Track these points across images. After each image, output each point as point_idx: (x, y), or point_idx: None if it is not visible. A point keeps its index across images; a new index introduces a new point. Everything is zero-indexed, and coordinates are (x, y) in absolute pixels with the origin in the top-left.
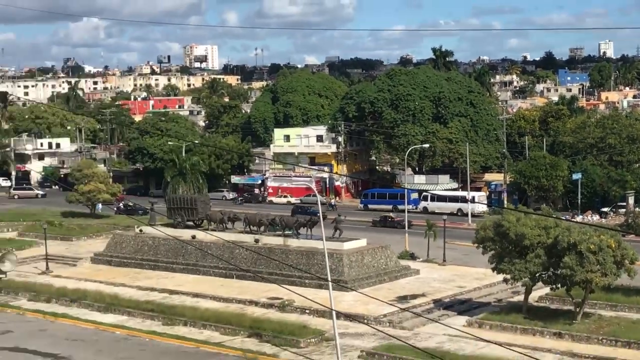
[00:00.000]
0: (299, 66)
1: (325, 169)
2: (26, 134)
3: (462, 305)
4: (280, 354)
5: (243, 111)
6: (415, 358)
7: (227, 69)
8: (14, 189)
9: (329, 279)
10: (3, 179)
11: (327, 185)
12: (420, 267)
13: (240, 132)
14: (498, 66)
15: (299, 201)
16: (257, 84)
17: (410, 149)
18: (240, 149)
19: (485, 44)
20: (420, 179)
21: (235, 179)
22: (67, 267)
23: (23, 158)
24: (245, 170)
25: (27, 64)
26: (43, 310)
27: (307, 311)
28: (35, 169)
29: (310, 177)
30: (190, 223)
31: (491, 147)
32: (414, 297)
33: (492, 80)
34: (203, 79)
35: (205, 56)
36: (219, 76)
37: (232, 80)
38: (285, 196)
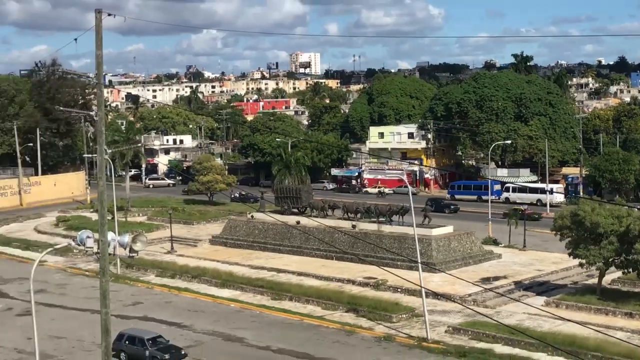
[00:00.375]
0: (393, 71)
1: (416, 162)
2: (154, 131)
3: (540, 287)
4: (375, 328)
5: (342, 111)
6: (497, 333)
7: (328, 74)
8: (149, 179)
9: (419, 261)
10: (135, 171)
11: (417, 177)
12: (502, 251)
13: (339, 129)
14: (575, 70)
15: (391, 191)
16: (354, 87)
17: (493, 145)
18: (339, 145)
19: (563, 49)
20: (502, 172)
21: (334, 171)
22: (188, 247)
23: (152, 152)
24: (344, 164)
25: (155, 70)
26: (168, 285)
27: (399, 290)
28: (162, 162)
29: (402, 170)
30: (295, 210)
31: (568, 144)
32: (497, 278)
33: (569, 82)
34: (307, 83)
35: (309, 62)
36: (320, 80)
37: (333, 83)
38: (379, 187)
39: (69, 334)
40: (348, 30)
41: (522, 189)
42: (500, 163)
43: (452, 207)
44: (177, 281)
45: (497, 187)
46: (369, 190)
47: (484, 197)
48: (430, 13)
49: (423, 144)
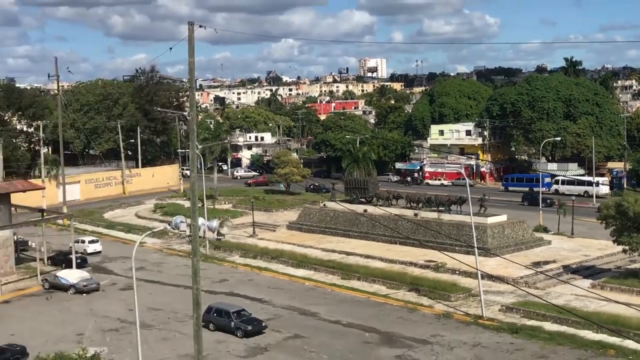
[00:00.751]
0: (452, 74)
1: (473, 157)
2: (238, 129)
3: (586, 271)
4: (435, 306)
5: (405, 111)
6: (547, 312)
7: (393, 78)
8: (237, 172)
9: (475, 246)
10: (222, 164)
11: (474, 171)
12: (552, 238)
13: (403, 127)
14: (620, 73)
15: (450, 183)
16: (417, 89)
17: (544, 141)
18: (402, 141)
19: (609, 54)
20: (552, 166)
21: (398, 165)
22: (268, 232)
23: (236, 148)
24: (407, 158)
25: (239, 75)
26: (250, 265)
27: (456, 272)
28: (245, 156)
29: (460, 164)
30: (363, 200)
31: (613, 140)
32: (546, 262)
33: (614, 84)
34: (374, 86)
35: (376, 67)
36: (386, 83)
37: (397, 86)
38: (439, 179)
39: (165, 306)
40: (411, 38)
41: (571, 182)
42: (550, 158)
43: (547, 201)
44: (258, 261)
45: (547, 179)
46: (430, 182)
47: (535, 189)
48: (487, 22)
49: (479, 141)
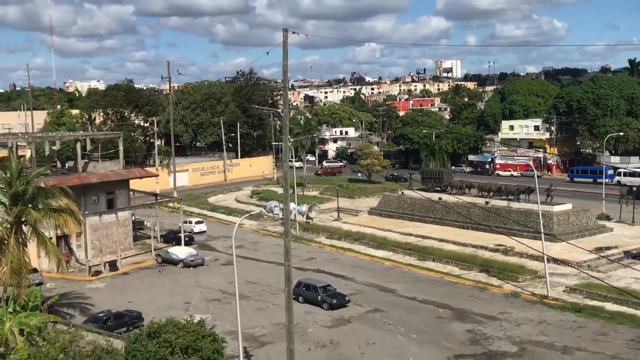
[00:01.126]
0: (521, 74)
1: (541, 150)
2: (325, 124)
3: None
4: (504, 286)
5: (478, 108)
6: (608, 294)
7: (467, 77)
8: (326, 162)
9: (542, 232)
10: (310, 156)
11: (542, 163)
12: (614, 226)
13: (475, 123)
14: None
15: (519, 174)
16: (489, 88)
17: (608, 136)
18: (475, 135)
19: None
20: (615, 159)
21: (471, 157)
22: (351, 216)
23: (323, 141)
24: (479, 151)
25: (326, 76)
26: (335, 245)
27: (524, 256)
28: (331, 148)
29: (529, 156)
30: (438, 188)
31: None
32: (608, 248)
33: None
34: (449, 85)
35: (451, 68)
36: (460, 82)
37: (471, 85)
38: (509, 170)
39: (260, 280)
40: (484, 41)
41: (632, 173)
42: (613, 151)
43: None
44: (342, 242)
45: (611, 171)
46: (500, 173)
47: (598, 180)
48: (554, 26)
49: (547, 135)
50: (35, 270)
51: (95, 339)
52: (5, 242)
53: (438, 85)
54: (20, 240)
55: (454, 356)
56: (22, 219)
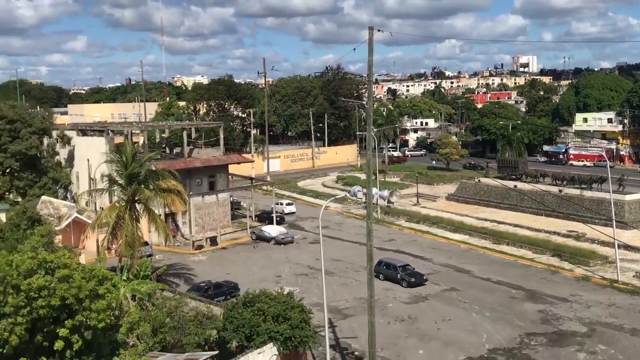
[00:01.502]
0: (596, 69)
1: (613, 142)
2: (407, 115)
3: None
4: (575, 270)
5: (553, 101)
6: None
7: (542, 72)
8: (409, 150)
9: (614, 219)
10: (392, 145)
11: (614, 154)
12: None
13: (550, 115)
14: None
15: (592, 164)
16: (564, 82)
17: None
18: (550, 127)
19: None
20: None
21: (545, 147)
22: (429, 201)
23: (404, 131)
24: (553, 142)
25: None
26: (414, 228)
27: (595, 241)
28: (412, 138)
29: (602, 147)
30: (513, 176)
31: None
32: None
33: None
34: (525, 79)
35: (527, 63)
36: (536, 77)
37: (546, 80)
38: (582, 160)
39: (344, 258)
40: (560, 37)
41: None
42: None
43: None
44: (420, 226)
45: None
46: (574, 163)
47: None
48: (629, 23)
49: (620, 127)
50: (146, 244)
51: (197, 306)
52: (121, 218)
53: (515, 80)
54: (134, 216)
55: (525, 334)
56: (136, 198)
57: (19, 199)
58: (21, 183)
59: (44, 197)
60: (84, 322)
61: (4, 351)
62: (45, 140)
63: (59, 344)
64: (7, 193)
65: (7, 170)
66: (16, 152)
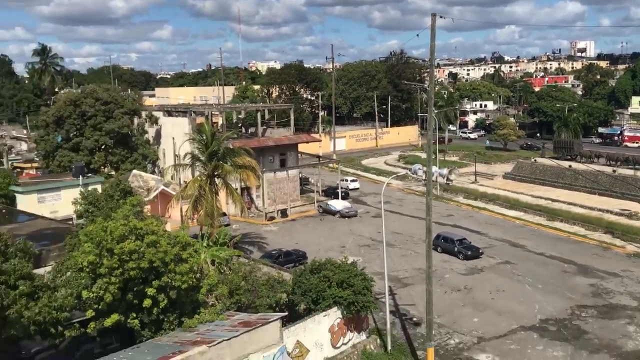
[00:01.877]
0: None
1: None
2: (466, 98)
3: None
4: (626, 247)
5: (609, 85)
6: None
7: (599, 57)
8: (469, 132)
9: None
10: (452, 125)
11: None
12: None
13: (606, 99)
14: None
15: None
16: (620, 67)
17: None
18: (605, 109)
19: None
20: None
21: (600, 129)
22: (486, 180)
23: (464, 113)
24: (609, 124)
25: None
26: (471, 205)
27: None
28: (471, 120)
29: None
30: (569, 157)
31: None
32: None
33: None
34: (582, 64)
35: (585, 48)
36: (594, 61)
37: (603, 64)
38: (637, 142)
39: (404, 231)
40: (618, 22)
41: None
42: None
43: None
44: (477, 202)
45: None
46: (628, 144)
47: None
48: None
49: None
50: (224, 214)
51: (269, 271)
52: (202, 191)
53: (572, 64)
54: (213, 189)
55: (576, 306)
56: (215, 173)
57: (113, 173)
58: (115, 158)
59: (134, 171)
60: (169, 283)
61: (99, 307)
62: (136, 120)
63: (147, 302)
64: (102, 167)
65: (103, 147)
66: (110, 130)
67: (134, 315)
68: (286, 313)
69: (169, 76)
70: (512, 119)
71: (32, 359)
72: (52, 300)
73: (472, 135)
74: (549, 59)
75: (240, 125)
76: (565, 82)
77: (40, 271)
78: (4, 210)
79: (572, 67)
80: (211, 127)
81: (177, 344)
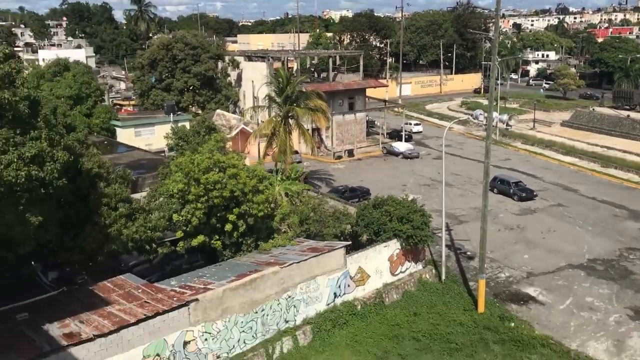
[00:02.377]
0: None
1: None
2: (529, 48)
3: None
4: None
5: None
6: None
7: None
8: (533, 80)
9: None
10: (514, 74)
11: None
12: None
13: None
14: None
15: None
16: None
17: None
18: None
19: None
20: None
21: None
22: (544, 127)
23: (526, 62)
24: None
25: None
26: (528, 150)
27: None
28: (533, 69)
29: None
30: (627, 107)
31: None
32: None
33: None
34: None
35: None
36: None
37: None
38: None
39: (463, 173)
40: None
41: None
42: None
43: None
44: (534, 148)
45: None
46: None
47: None
48: None
49: None
50: (296, 152)
51: (336, 205)
52: (277, 130)
53: (638, 16)
54: (287, 129)
55: (625, 248)
56: (289, 114)
57: (199, 112)
58: (201, 98)
59: (218, 111)
60: (247, 210)
61: (187, 229)
62: (220, 64)
63: (228, 226)
64: (190, 106)
65: (191, 88)
66: (197, 73)
67: (217, 237)
68: (350, 242)
69: (249, 24)
70: (573, 69)
71: (130, 271)
72: (147, 221)
73: (533, 83)
74: (614, 10)
75: (313, 70)
76: (629, 33)
77: (137, 196)
78: (106, 142)
79: (638, 19)
80: (286, 72)
81: (254, 264)
